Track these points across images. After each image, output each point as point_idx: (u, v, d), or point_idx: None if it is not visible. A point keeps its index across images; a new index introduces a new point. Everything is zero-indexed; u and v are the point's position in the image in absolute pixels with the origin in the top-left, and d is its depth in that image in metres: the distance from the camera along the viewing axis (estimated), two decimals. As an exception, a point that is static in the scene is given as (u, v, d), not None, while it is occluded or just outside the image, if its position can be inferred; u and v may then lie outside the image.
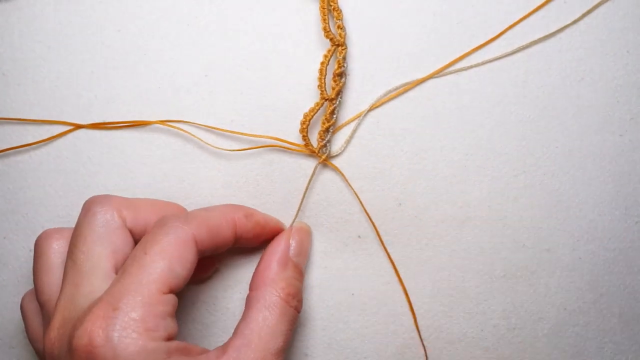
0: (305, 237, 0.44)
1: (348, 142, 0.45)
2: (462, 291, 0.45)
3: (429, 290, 0.45)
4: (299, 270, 0.42)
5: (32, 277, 0.45)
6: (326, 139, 0.44)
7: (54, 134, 0.46)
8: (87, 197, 0.45)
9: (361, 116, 0.45)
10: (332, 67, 0.44)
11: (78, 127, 0.45)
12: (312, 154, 0.44)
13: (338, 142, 0.45)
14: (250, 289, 0.40)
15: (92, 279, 0.37)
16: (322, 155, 0.44)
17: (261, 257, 0.42)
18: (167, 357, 0.35)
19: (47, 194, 0.46)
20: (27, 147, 0.46)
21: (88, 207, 0.39)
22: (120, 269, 0.37)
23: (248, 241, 0.42)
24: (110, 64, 0.45)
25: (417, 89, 0.45)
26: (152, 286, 0.35)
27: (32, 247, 0.45)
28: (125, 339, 0.34)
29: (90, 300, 0.36)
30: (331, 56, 0.43)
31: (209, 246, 0.39)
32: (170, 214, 0.39)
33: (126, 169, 0.45)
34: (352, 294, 0.46)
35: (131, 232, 0.39)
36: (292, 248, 0.42)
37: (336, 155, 0.45)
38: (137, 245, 0.38)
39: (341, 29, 0.43)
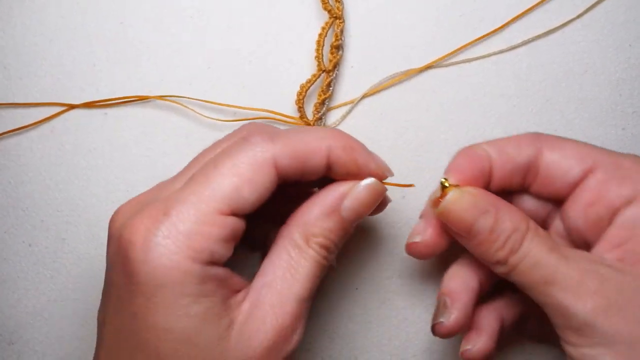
0: (373, 196, 0.37)
1: (344, 117, 0.45)
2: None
3: (432, 283, 0.45)
4: (343, 226, 0.36)
5: (31, 272, 0.45)
6: (322, 112, 0.44)
7: (52, 122, 0.45)
8: (87, 191, 0.45)
9: (357, 100, 0.45)
10: (330, 40, 0.44)
11: (71, 107, 0.45)
12: (307, 126, 0.44)
13: (334, 118, 0.45)
14: (285, 222, 0.37)
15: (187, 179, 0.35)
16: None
17: (314, 195, 0.37)
18: (199, 283, 0.33)
19: (48, 188, 0.46)
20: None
21: (244, 135, 0.35)
22: (191, 175, 0.35)
23: (340, 177, 0.37)
24: (112, 57, 0.45)
25: (421, 80, 0.45)
26: (211, 204, 0.33)
27: (32, 242, 0.45)
28: (162, 249, 0.32)
29: (166, 195, 0.35)
30: (329, 29, 0.44)
31: (293, 173, 0.35)
32: (256, 128, 0.36)
33: (125, 158, 0.45)
34: (356, 289, 0.45)
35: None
36: (347, 201, 0.36)
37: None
38: (213, 155, 0.35)
39: (339, 2, 0.44)
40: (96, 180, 0.45)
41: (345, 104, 0.45)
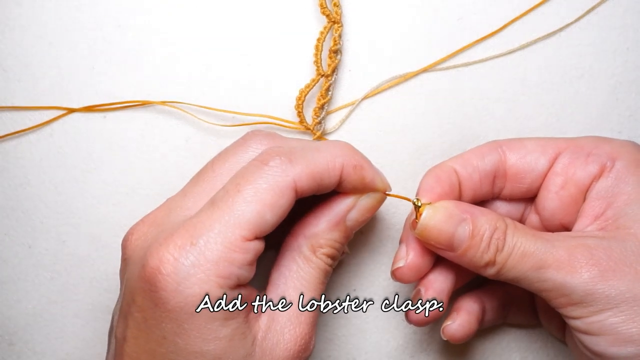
0: (376, 207, 0.39)
1: (343, 121, 0.45)
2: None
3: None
4: (347, 235, 0.38)
5: (31, 273, 0.46)
6: (321, 116, 0.44)
7: (52, 125, 0.45)
8: (86, 193, 0.45)
9: (357, 102, 0.45)
10: (328, 44, 0.44)
11: (71, 110, 0.45)
12: (307, 130, 0.45)
13: (333, 122, 0.45)
14: (289, 233, 0.38)
15: (200, 197, 0.36)
16: (317, 132, 0.44)
17: (317, 206, 0.38)
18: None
19: (48, 190, 0.46)
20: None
21: (264, 159, 0.35)
22: (211, 198, 0.35)
23: (345, 190, 0.38)
24: (111, 59, 0.45)
25: (418, 84, 0.45)
26: (237, 231, 0.33)
27: (32, 243, 0.45)
28: (192, 278, 0.33)
29: (184, 218, 0.35)
30: (327, 33, 0.44)
31: (308, 192, 0.36)
32: (273, 148, 0.36)
33: (125, 160, 0.45)
34: (354, 290, 0.46)
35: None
36: (353, 213, 0.38)
37: (330, 133, 0.45)
38: (233, 178, 0.35)
39: (337, 6, 0.44)
40: (95, 183, 0.45)
41: (344, 107, 0.45)
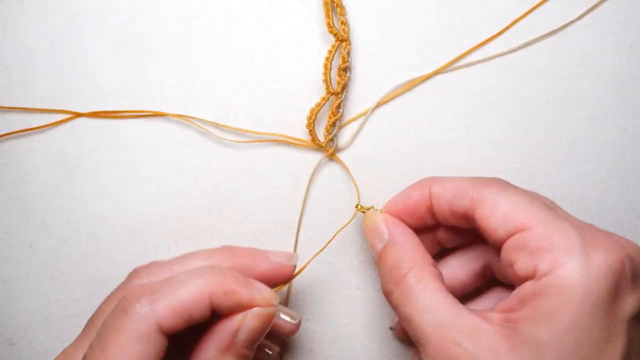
0: (265, 323, 0.37)
1: (355, 136, 0.45)
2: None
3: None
4: (243, 354, 0.36)
5: (32, 272, 0.45)
6: (333, 133, 0.44)
7: (56, 126, 0.45)
8: (88, 192, 0.45)
9: (368, 113, 0.45)
10: (337, 62, 0.44)
11: (78, 115, 0.45)
12: (319, 148, 0.45)
13: (345, 137, 0.45)
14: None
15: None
16: (329, 150, 0.44)
17: (208, 330, 0.36)
18: None
19: (49, 189, 0.45)
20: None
21: (124, 306, 0.35)
22: (83, 355, 0.35)
23: (226, 313, 0.36)
24: (114, 57, 0.45)
25: (423, 84, 0.45)
26: None
27: (33, 242, 0.45)
28: None
29: None
30: (335, 51, 0.44)
31: (180, 328, 0.34)
32: (132, 292, 0.35)
33: (128, 162, 0.45)
34: (358, 288, 0.46)
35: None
36: (241, 334, 0.36)
37: (343, 149, 0.45)
38: (98, 332, 0.35)
39: (345, 24, 0.44)
40: (97, 182, 0.45)
41: (354, 119, 0.45)
